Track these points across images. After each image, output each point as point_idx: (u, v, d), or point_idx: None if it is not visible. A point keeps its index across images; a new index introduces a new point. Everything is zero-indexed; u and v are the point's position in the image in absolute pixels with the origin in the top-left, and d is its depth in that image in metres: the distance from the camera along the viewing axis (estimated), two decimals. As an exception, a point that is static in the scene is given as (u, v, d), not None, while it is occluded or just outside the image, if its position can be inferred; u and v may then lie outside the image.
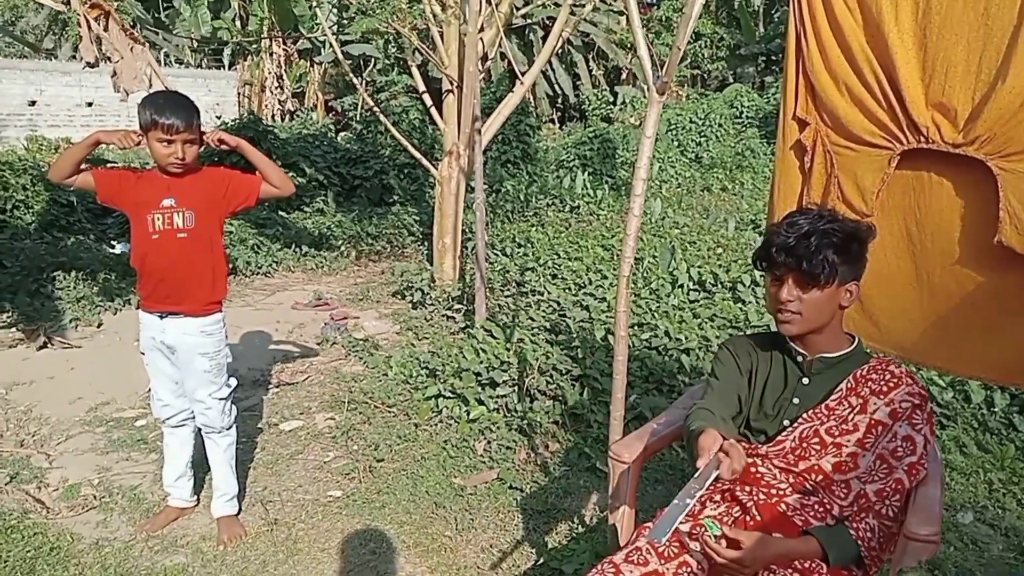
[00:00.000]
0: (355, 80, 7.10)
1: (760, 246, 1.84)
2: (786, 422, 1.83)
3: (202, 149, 2.85)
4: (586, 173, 11.54)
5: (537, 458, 3.62)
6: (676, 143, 14.63)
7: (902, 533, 1.66)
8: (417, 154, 6.34)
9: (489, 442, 3.72)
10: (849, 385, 1.79)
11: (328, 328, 5.43)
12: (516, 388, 4.05)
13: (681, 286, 5.72)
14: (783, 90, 2.46)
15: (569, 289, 5.96)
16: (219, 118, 10.75)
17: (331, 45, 7.50)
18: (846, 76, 2.30)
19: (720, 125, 15.12)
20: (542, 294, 5.86)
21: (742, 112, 16.31)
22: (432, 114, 6.53)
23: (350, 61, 19.93)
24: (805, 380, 1.85)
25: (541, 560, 2.82)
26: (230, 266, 7.02)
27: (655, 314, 5.15)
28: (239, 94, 22.17)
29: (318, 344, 5.29)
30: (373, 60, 20.41)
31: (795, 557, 1.68)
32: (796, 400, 1.84)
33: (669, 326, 4.80)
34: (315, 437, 3.88)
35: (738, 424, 1.92)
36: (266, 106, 21.39)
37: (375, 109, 6.91)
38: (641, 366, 4.34)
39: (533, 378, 4.08)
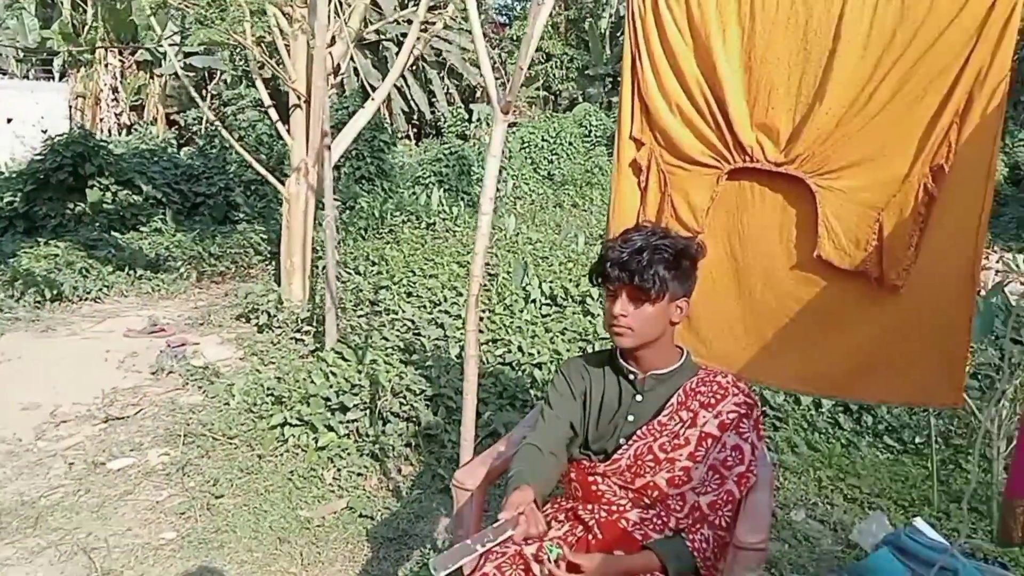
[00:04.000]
0: (194, 93, 6.74)
1: (596, 261, 1.84)
2: (622, 440, 1.84)
3: None
4: (442, 190, 11.51)
5: (389, 483, 3.52)
6: (530, 161, 14.89)
7: (732, 542, 1.71)
8: (262, 170, 6.09)
9: (339, 470, 3.58)
10: (679, 399, 1.82)
11: (164, 356, 5.09)
12: (368, 412, 3.93)
13: (534, 301, 5.78)
14: (619, 110, 2.52)
15: (424, 307, 5.89)
16: (45, 132, 9.91)
17: (170, 57, 7.09)
18: (678, 98, 2.39)
19: (570, 144, 15.52)
20: (396, 313, 5.76)
21: (591, 131, 16.83)
22: (279, 129, 6.31)
23: (193, 73, 19.03)
24: (638, 397, 1.86)
25: (391, 590, 2.73)
26: (54, 292, 6.48)
27: (509, 329, 5.17)
28: (71, 107, 20.67)
29: (152, 373, 4.95)
30: (219, 72, 19.60)
31: (636, 572, 1.69)
32: (631, 417, 1.85)
33: (522, 341, 4.83)
34: (147, 475, 3.60)
35: (577, 445, 1.92)
36: (101, 120, 20.06)
37: (216, 123, 6.58)
38: (495, 382, 4.33)
39: (386, 400, 3.98)
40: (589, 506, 1.86)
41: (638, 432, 1.82)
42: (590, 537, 1.80)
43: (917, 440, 3.91)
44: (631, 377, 1.87)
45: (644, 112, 2.46)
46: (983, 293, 4.57)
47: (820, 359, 2.28)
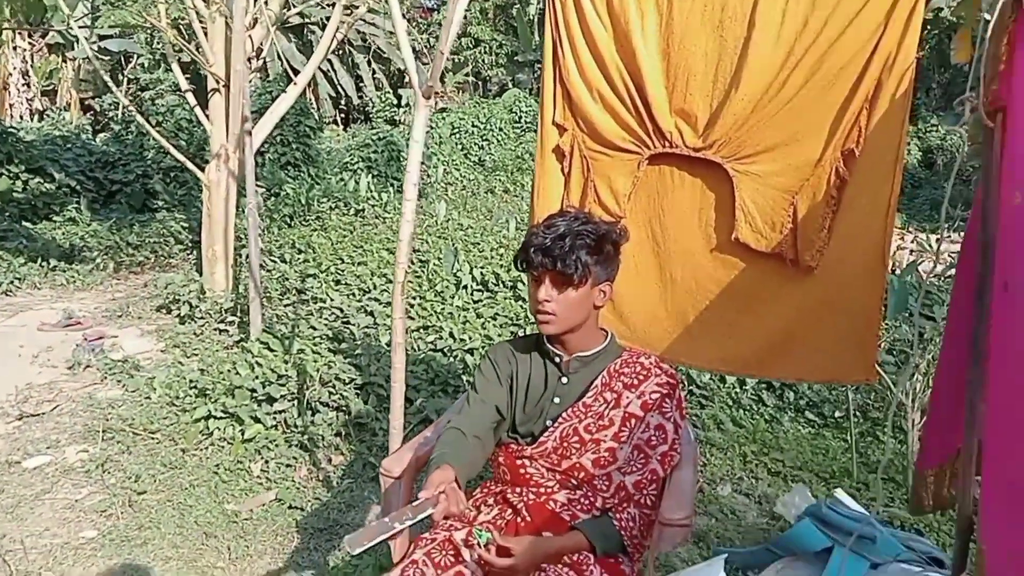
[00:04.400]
0: (106, 78, 6.45)
1: (520, 247, 1.85)
2: (549, 422, 1.86)
3: None
4: (371, 176, 11.36)
5: (319, 473, 3.47)
6: (460, 147, 14.82)
7: (658, 519, 1.75)
8: (180, 156, 5.89)
9: (267, 461, 3.52)
10: (604, 380, 1.84)
11: (80, 350, 4.90)
12: (296, 402, 3.87)
13: (465, 287, 5.77)
14: (542, 96, 2.52)
15: (353, 295, 5.82)
16: (-56, 116, 9.47)
17: (82, 39, 6.78)
18: (599, 84, 2.40)
19: (500, 129, 15.50)
20: (324, 301, 5.67)
21: (521, 117, 16.83)
22: (198, 114, 6.11)
23: (109, 57, 18.26)
24: (564, 380, 1.88)
25: (322, 581, 2.70)
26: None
27: (440, 316, 5.16)
28: (-24, 92, 19.61)
29: (69, 368, 4.76)
30: (136, 56, 18.85)
31: (565, 553, 1.71)
32: (557, 400, 1.87)
33: (453, 327, 4.83)
34: (65, 473, 3.47)
35: (504, 429, 1.92)
36: (11, 106, 19.09)
37: (131, 108, 6.33)
38: (427, 369, 4.31)
39: (314, 390, 3.92)
40: (518, 489, 1.87)
41: (564, 414, 1.84)
42: (519, 520, 1.82)
43: (837, 414, 4.06)
44: (556, 360, 1.89)
45: (566, 98, 2.46)
46: (898, 272, 4.76)
47: (739, 340, 2.34)
